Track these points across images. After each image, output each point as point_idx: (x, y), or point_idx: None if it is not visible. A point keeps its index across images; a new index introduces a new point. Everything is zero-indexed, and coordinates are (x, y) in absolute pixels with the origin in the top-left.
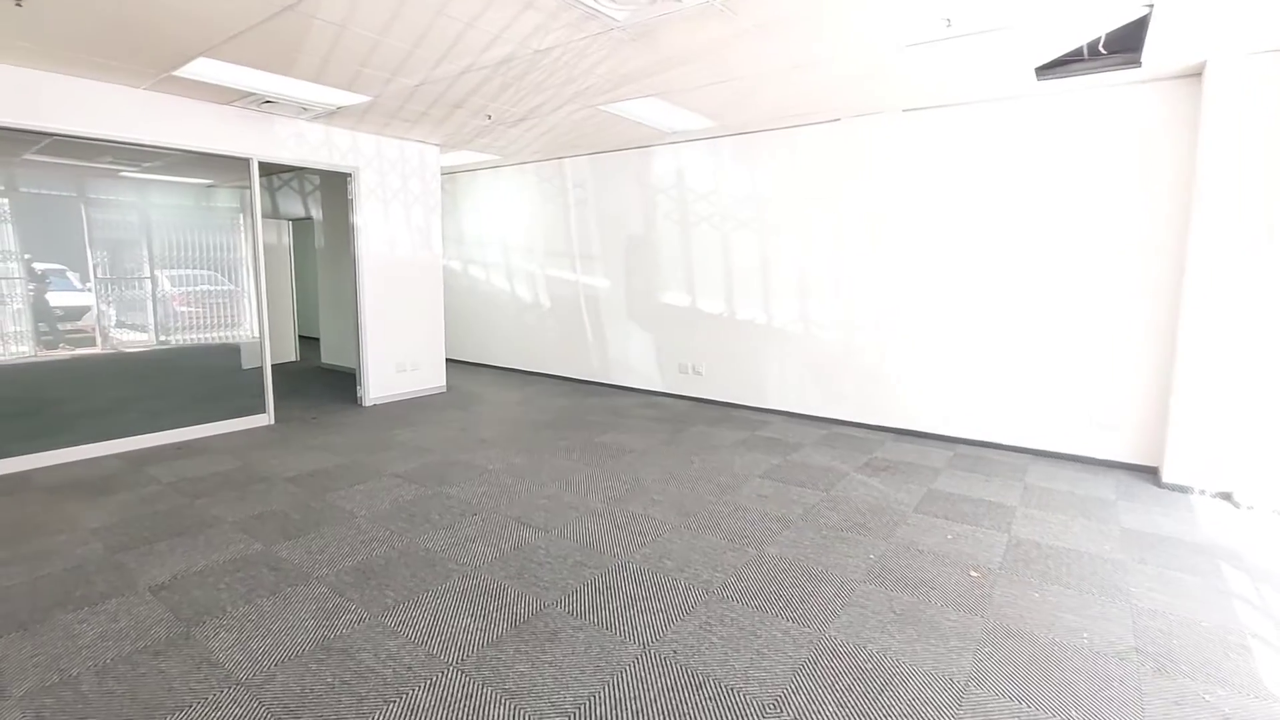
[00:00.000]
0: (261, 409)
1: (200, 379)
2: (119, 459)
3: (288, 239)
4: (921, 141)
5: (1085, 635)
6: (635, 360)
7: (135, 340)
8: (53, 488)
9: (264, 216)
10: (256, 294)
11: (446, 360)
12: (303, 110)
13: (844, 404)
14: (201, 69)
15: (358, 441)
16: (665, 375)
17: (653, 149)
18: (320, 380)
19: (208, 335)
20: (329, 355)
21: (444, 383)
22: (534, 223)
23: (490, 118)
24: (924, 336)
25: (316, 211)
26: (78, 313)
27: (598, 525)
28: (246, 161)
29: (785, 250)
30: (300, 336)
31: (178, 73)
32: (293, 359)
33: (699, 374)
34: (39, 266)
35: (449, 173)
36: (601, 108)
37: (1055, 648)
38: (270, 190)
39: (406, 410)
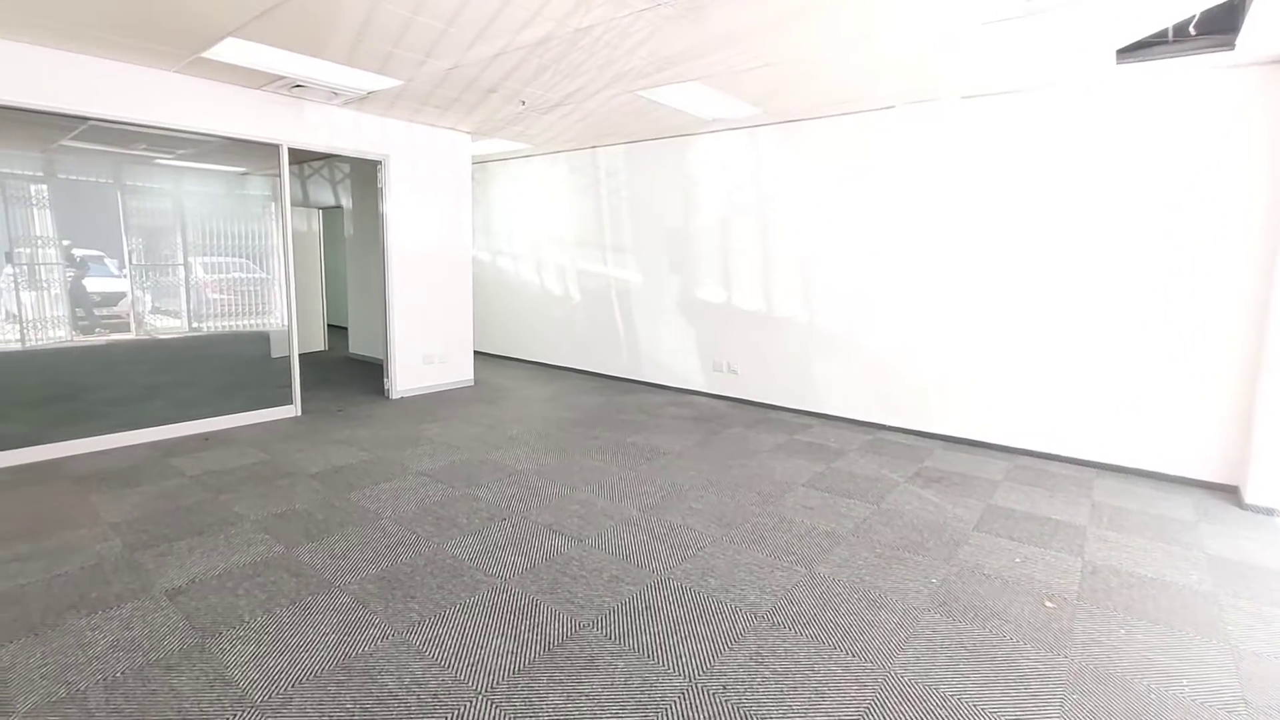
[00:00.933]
0: (288, 400)
1: (230, 367)
2: (147, 448)
3: (318, 227)
4: (981, 131)
5: (1185, 683)
6: (668, 357)
7: (168, 327)
8: (81, 477)
9: (294, 205)
10: (285, 283)
11: (474, 353)
12: (334, 95)
13: (890, 408)
14: (231, 50)
15: (384, 436)
16: (699, 373)
17: (691, 138)
18: (348, 371)
19: (238, 323)
20: (357, 345)
21: (471, 376)
22: (565, 214)
23: (524, 104)
24: (980, 339)
25: (346, 200)
26: (113, 299)
27: (634, 535)
28: (276, 148)
29: (830, 246)
30: (329, 326)
31: (207, 54)
32: (321, 348)
33: (734, 373)
34: (76, 252)
35: (479, 162)
36: (641, 93)
37: (1152, 697)
38: (301, 178)
39: (433, 404)
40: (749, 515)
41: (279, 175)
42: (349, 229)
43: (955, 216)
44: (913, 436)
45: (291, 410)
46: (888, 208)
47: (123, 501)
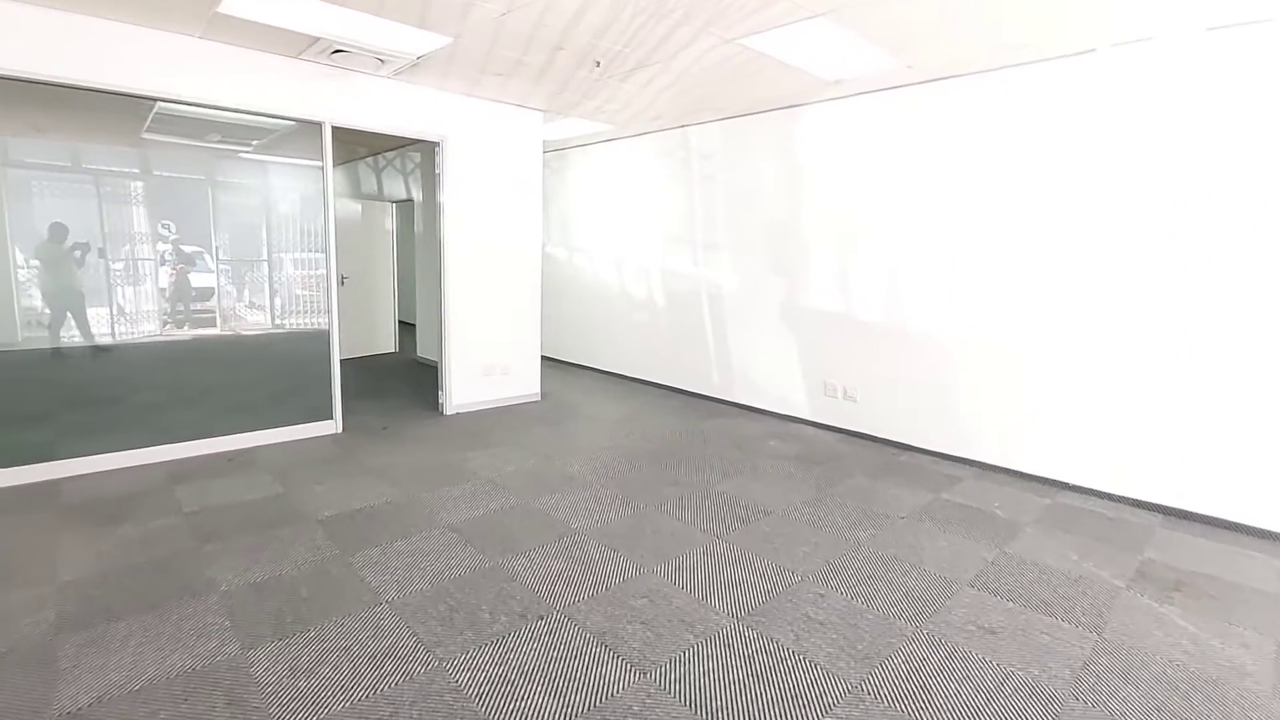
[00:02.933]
0: (328, 414)
1: (276, 374)
2: (160, 470)
3: (391, 222)
4: (1234, 76)
5: None
6: (766, 376)
7: (213, 328)
8: (71, 507)
9: (367, 198)
10: (327, 280)
11: (543, 359)
12: (379, 63)
13: (1077, 461)
14: (246, 2)
15: (423, 466)
16: (805, 398)
17: (804, 109)
18: (409, 377)
19: (289, 323)
20: (424, 348)
21: (537, 390)
22: (650, 205)
23: (599, 64)
24: (1234, 369)
25: (417, 192)
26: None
27: (730, 668)
28: (318, 126)
29: (990, 244)
30: (403, 324)
31: (221, 9)
32: (391, 350)
33: (851, 399)
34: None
35: (557, 149)
36: (744, 41)
37: None
38: (375, 170)
39: (490, 423)
40: (897, 639)
41: (322, 158)
42: (418, 223)
43: (1193, 201)
44: (1112, 503)
45: (331, 426)
46: (1082, 193)
47: (94, 546)
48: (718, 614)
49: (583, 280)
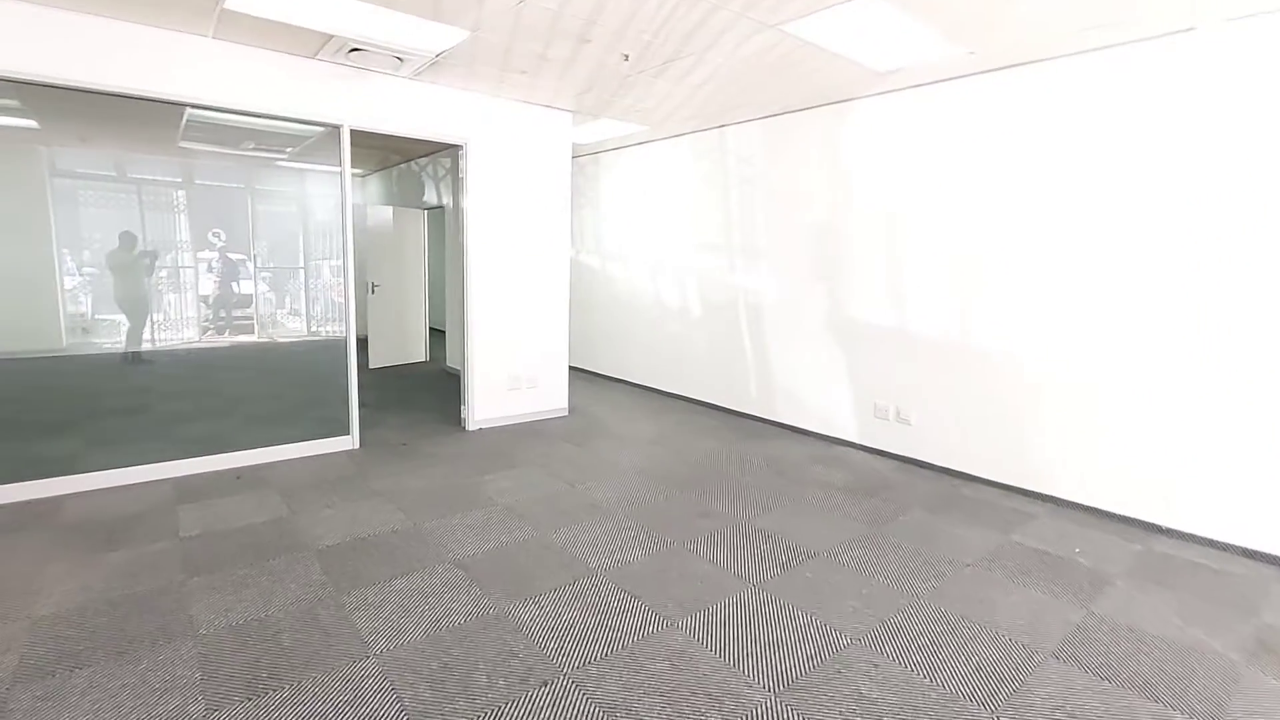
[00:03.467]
0: (345, 429)
1: (292, 386)
2: (167, 487)
3: (423, 229)
4: None
5: None
6: (810, 393)
7: (229, 337)
8: (68, 527)
9: (400, 205)
10: (345, 288)
11: (573, 370)
12: (398, 62)
13: (1177, 501)
14: None
15: (438, 489)
16: (852, 418)
17: (853, 104)
18: (437, 388)
19: (307, 333)
20: (453, 358)
21: (565, 404)
22: (686, 210)
23: (628, 58)
24: None
25: (448, 198)
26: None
27: None
28: (336, 129)
29: (1073, 250)
30: (436, 331)
31: (228, 5)
32: (421, 359)
33: (905, 422)
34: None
35: (589, 153)
36: (785, 27)
37: None
38: (409, 177)
39: (514, 441)
40: None
41: (340, 162)
42: (449, 230)
43: None
44: (1216, 552)
45: (348, 442)
46: (1183, 196)
47: (80, 575)
48: (751, 686)
49: (615, 289)
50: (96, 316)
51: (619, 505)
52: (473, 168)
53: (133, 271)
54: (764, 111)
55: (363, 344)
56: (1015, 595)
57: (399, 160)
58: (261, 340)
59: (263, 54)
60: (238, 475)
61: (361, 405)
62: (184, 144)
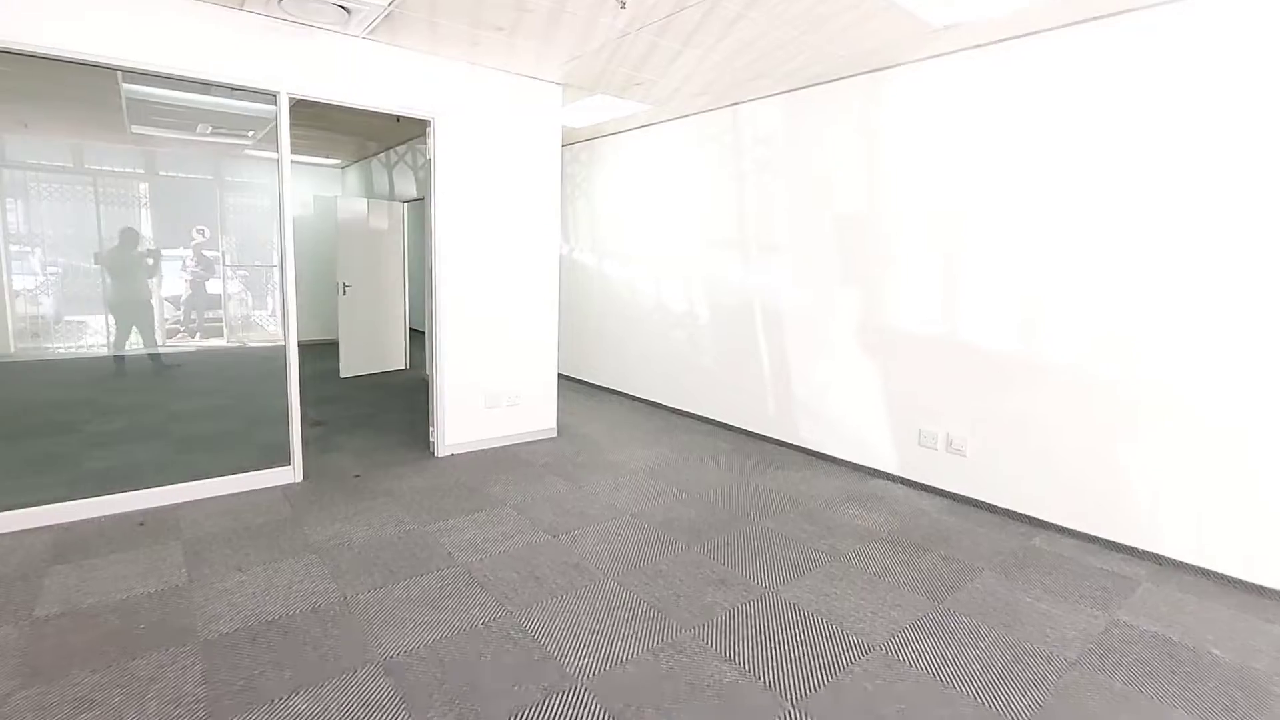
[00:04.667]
0: (285, 457)
1: (224, 403)
2: (48, 537)
3: (402, 223)
4: None
5: None
6: (841, 414)
7: (138, 341)
8: None
9: (377, 197)
10: (281, 284)
11: (564, 380)
12: (343, 12)
13: None
14: None
15: (386, 542)
16: (890, 445)
17: (896, 71)
18: (411, 401)
19: (243, 339)
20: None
21: (553, 424)
22: (692, 201)
23: (624, 4)
24: None
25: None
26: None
27: None
28: (273, 96)
29: (1190, 242)
30: (417, 334)
31: None
32: (399, 367)
33: (958, 453)
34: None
35: (584, 139)
36: None
37: None
38: (387, 167)
39: (489, 471)
40: None
41: (276, 135)
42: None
43: None
44: None
45: (288, 474)
46: None
47: None
48: None
49: (612, 290)
50: (67, 319)
51: (610, 566)
52: (442, 147)
53: (133, 271)
54: (786, 84)
55: (333, 350)
56: (1145, 709)
57: (377, 149)
58: (184, 349)
59: (188, 5)
60: (141, 521)
61: (315, 424)
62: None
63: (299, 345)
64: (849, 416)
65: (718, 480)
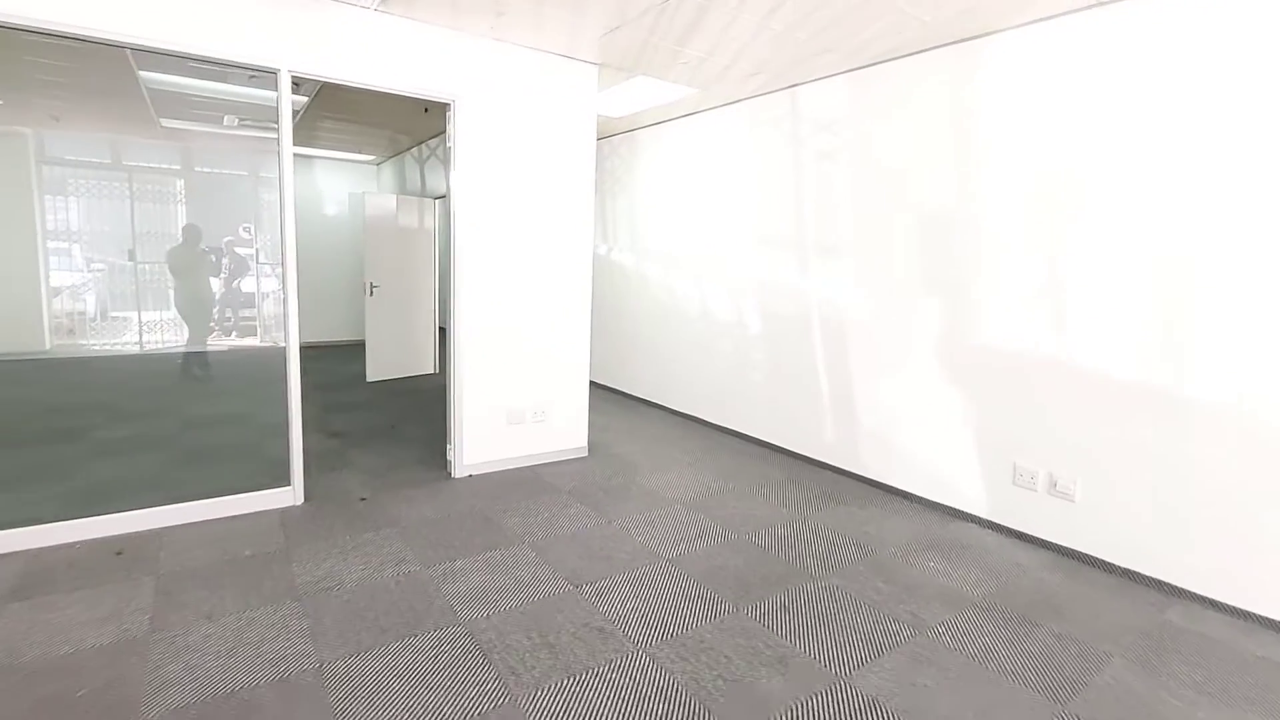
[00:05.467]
0: (285, 477)
1: (227, 411)
2: (14, 566)
3: (433, 220)
4: None
5: None
6: (915, 443)
7: (153, 340)
8: None
9: (407, 193)
10: (283, 282)
11: (598, 389)
12: None
13: None
14: None
15: (380, 588)
16: (978, 481)
17: (989, 41)
18: (437, 410)
19: (236, 338)
20: None
21: (584, 441)
22: (742, 197)
23: None
24: None
25: None
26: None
27: None
28: (273, 75)
29: None
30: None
31: None
32: (429, 370)
33: (1064, 496)
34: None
35: (623, 130)
36: None
37: None
38: (419, 162)
39: (508, 498)
40: None
41: (277, 121)
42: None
43: None
44: None
45: (288, 496)
46: None
47: None
48: None
49: (652, 294)
50: (107, 315)
51: (641, 633)
52: (463, 134)
53: (198, 270)
54: (854, 60)
55: (359, 352)
56: None
57: (409, 144)
58: (218, 348)
59: None
60: (119, 550)
61: (332, 436)
62: (165, 121)
63: (330, 347)
64: (924, 446)
65: (769, 517)
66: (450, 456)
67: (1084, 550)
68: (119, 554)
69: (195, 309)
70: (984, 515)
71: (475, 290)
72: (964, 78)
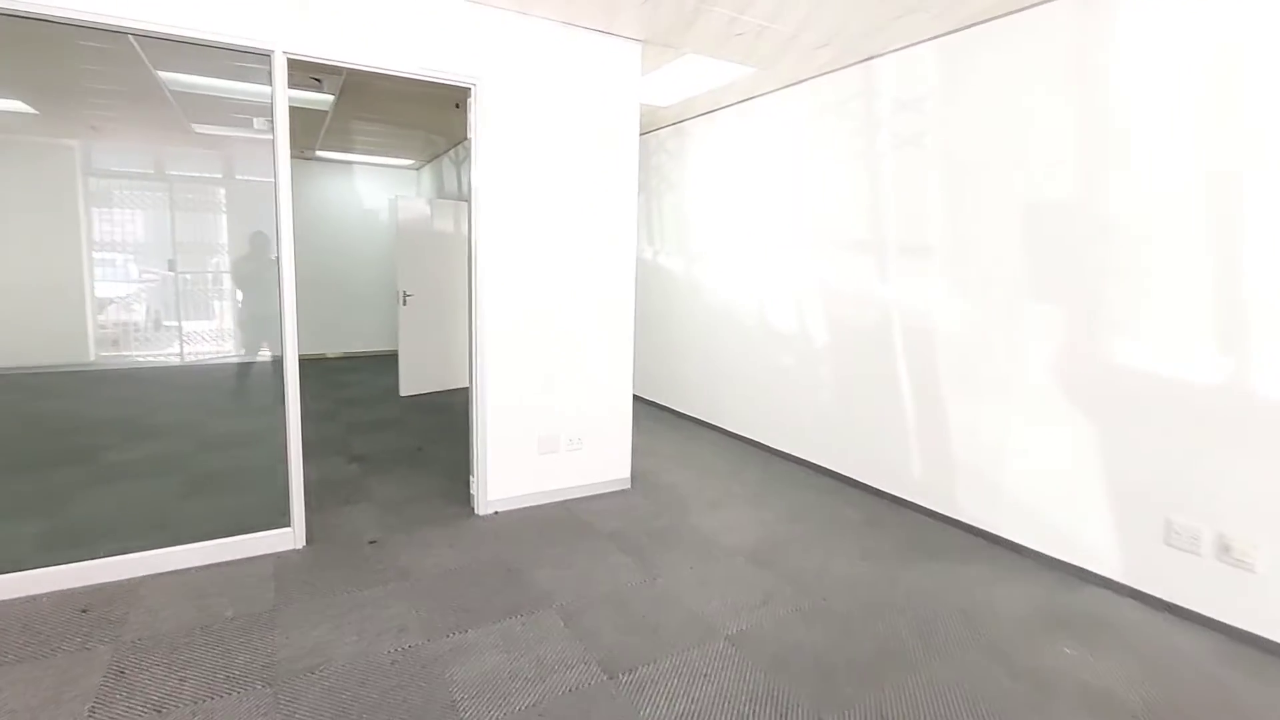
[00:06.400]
0: (283, 518)
1: (217, 435)
2: None
3: (469, 226)
4: None
5: None
6: (1027, 482)
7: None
8: None
9: (444, 198)
10: (279, 288)
11: (643, 404)
12: None
13: None
14: None
15: (373, 668)
16: (1116, 539)
17: None
18: (465, 430)
19: (228, 350)
20: None
21: (627, 472)
22: (805, 190)
23: None
24: None
25: None
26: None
27: None
28: (266, 57)
29: None
30: None
31: None
32: (465, 385)
33: (1240, 564)
34: None
35: (671, 123)
36: None
37: None
38: (455, 164)
39: (539, 540)
40: None
41: (271, 111)
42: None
43: None
44: None
45: (287, 539)
46: None
47: None
48: None
49: (703, 302)
50: (166, 324)
51: None
52: (485, 123)
53: (267, 280)
54: (947, 22)
55: (391, 364)
56: None
57: (446, 146)
58: (261, 359)
59: None
60: (84, 608)
61: (353, 461)
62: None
63: (370, 358)
64: (1040, 488)
65: (849, 574)
66: (473, 489)
67: (1268, 636)
68: (84, 612)
69: (258, 320)
70: (1122, 580)
71: (500, 301)
72: (1092, 33)
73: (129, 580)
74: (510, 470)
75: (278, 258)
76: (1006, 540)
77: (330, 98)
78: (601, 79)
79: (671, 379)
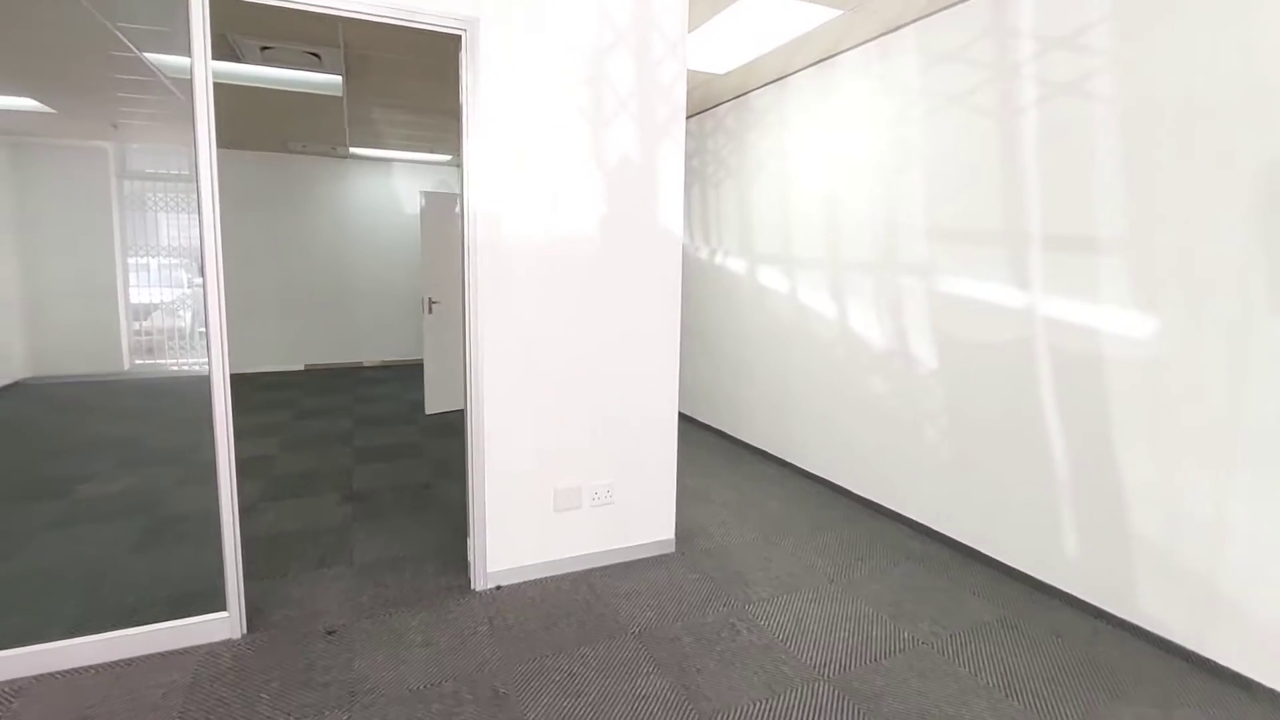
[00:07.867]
0: (218, 600)
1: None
2: None
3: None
4: None
5: None
6: (1261, 584)
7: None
8: None
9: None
10: (205, 293)
11: (692, 426)
12: None
13: None
14: None
15: None
16: None
17: None
18: None
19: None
20: None
21: (670, 531)
22: (905, 170)
23: None
24: None
25: None
26: None
27: None
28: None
29: None
30: None
31: None
32: None
33: None
34: None
35: (731, 97)
36: None
37: None
38: None
39: (543, 640)
40: None
41: (189, 69)
42: None
43: None
44: None
45: (222, 628)
46: None
47: None
48: None
49: (769, 309)
50: (201, 330)
51: None
52: (480, 80)
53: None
54: None
55: (417, 377)
56: None
57: None
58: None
59: None
60: None
61: (346, 501)
62: None
63: (404, 366)
64: None
65: None
66: (471, 557)
67: None
68: None
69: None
70: None
71: (505, 308)
72: None
73: (16, 681)
74: (518, 532)
75: (200, 251)
76: (1227, 669)
77: (338, 79)
78: (635, 29)
79: (729, 400)
